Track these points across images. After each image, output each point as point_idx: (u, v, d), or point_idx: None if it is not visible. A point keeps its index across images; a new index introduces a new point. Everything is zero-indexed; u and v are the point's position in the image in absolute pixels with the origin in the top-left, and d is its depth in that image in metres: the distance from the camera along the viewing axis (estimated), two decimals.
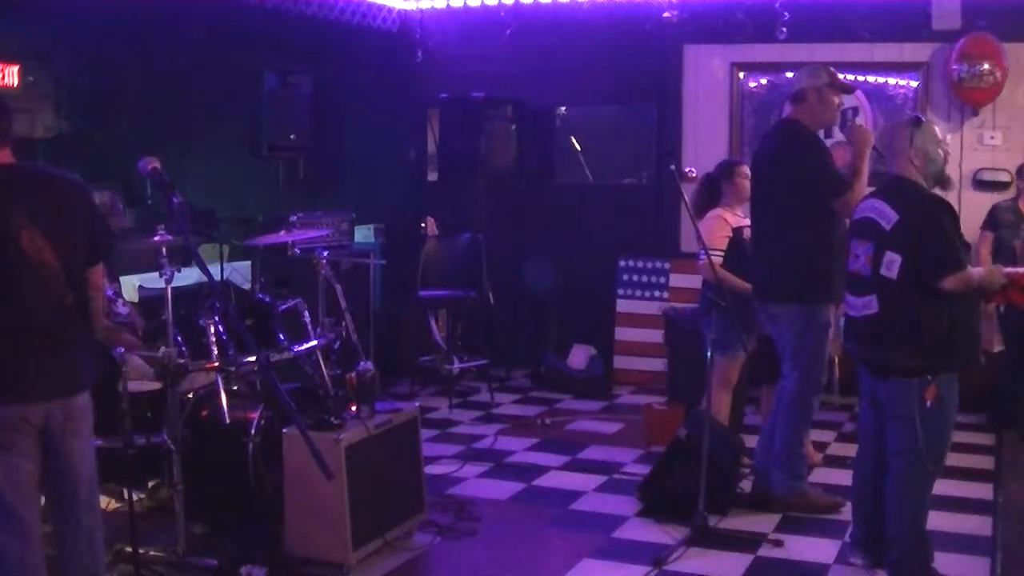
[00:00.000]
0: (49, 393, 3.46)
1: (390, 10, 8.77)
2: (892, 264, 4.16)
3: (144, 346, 4.97)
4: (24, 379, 3.42)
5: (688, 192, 6.15)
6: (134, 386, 4.55)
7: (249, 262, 7.23)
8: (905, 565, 4.32)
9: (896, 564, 4.35)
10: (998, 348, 6.91)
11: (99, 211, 3.74)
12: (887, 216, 4.22)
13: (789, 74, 7.90)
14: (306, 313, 5.42)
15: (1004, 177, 7.49)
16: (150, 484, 4.91)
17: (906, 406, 4.22)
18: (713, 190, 6.07)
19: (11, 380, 3.41)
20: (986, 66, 7.34)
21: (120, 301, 5.47)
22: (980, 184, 7.59)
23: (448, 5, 8.74)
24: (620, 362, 8.46)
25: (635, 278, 8.47)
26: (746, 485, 5.66)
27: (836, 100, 5.34)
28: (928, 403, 4.17)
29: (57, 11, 6.17)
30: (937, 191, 4.38)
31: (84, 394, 3.58)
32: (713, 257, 5.70)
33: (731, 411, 6.16)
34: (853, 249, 4.45)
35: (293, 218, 7.04)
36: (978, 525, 5.22)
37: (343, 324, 5.64)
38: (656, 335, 7.99)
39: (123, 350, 4.41)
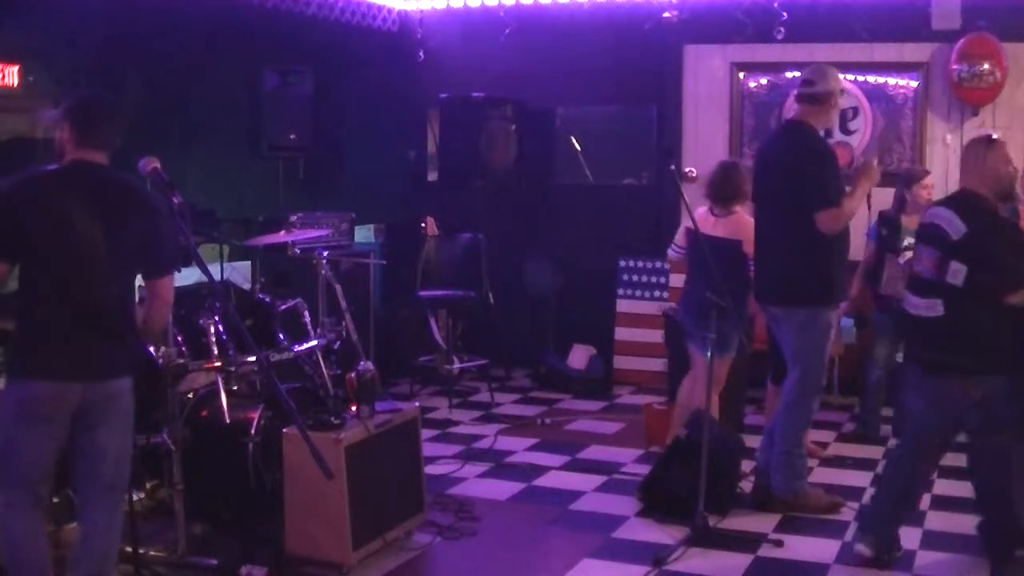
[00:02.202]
0: (86, 375, 3.66)
1: (390, 10, 8.77)
2: (958, 273, 4.38)
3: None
4: (63, 358, 3.62)
5: (703, 183, 6.11)
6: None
7: (249, 262, 7.22)
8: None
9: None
10: None
11: (168, 230, 3.89)
12: (955, 227, 4.41)
13: (789, 74, 7.97)
14: (306, 313, 5.42)
15: None
16: (149, 485, 4.90)
17: (956, 401, 4.49)
18: (738, 184, 5.90)
19: (51, 358, 3.62)
20: (986, 66, 7.34)
21: None
22: None
23: (448, 5, 8.74)
24: (620, 362, 8.46)
25: (635, 278, 8.47)
26: (746, 485, 5.66)
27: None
28: (971, 397, 4.43)
29: (57, 11, 6.16)
30: (1001, 206, 4.68)
31: (122, 380, 3.75)
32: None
33: (731, 411, 6.17)
34: (917, 252, 4.69)
35: (293, 218, 7.04)
36: None
37: (343, 324, 5.64)
38: (656, 335, 7.99)
39: None
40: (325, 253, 5.74)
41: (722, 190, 5.90)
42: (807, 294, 5.20)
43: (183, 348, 4.66)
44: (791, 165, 5.19)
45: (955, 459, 6.39)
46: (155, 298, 3.87)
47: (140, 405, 3.97)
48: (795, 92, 5.38)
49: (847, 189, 5.24)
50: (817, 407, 5.44)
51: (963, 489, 5.74)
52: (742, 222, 5.79)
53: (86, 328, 3.65)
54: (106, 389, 3.70)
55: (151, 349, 4.51)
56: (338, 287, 5.65)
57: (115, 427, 3.75)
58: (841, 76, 7.50)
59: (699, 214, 5.82)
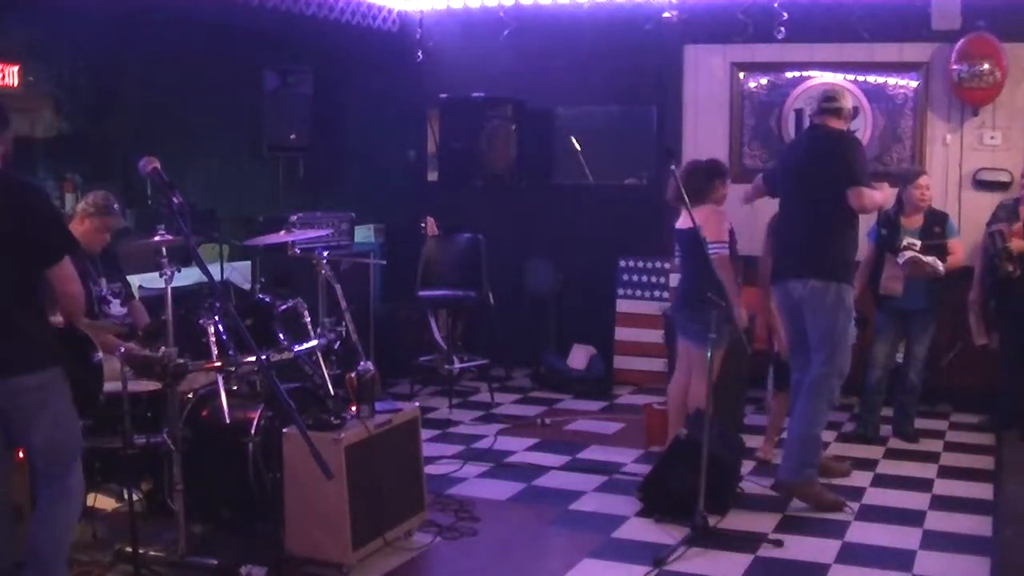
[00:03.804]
0: None
1: (390, 10, 8.77)
2: None
3: (138, 346, 4.95)
4: None
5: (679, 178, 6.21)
6: (134, 386, 4.55)
7: (249, 262, 7.23)
8: None
9: None
10: (981, 341, 6.94)
11: (54, 218, 3.93)
12: None
13: (789, 74, 7.98)
14: (306, 313, 5.41)
15: (1004, 177, 7.48)
16: (144, 488, 4.89)
17: None
18: (711, 182, 6.07)
19: None
20: (986, 66, 7.33)
21: (116, 301, 5.46)
22: (980, 184, 7.58)
23: (448, 5, 8.73)
24: (620, 362, 8.45)
25: (635, 278, 8.47)
26: (746, 486, 5.66)
27: None
28: None
29: (57, 11, 6.17)
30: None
31: (25, 377, 3.74)
32: (724, 251, 5.80)
33: (731, 411, 6.17)
34: None
35: (293, 218, 7.04)
36: (978, 525, 5.21)
37: (343, 324, 5.63)
38: (656, 335, 7.99)
39: (123, 350, 4.42)
40: (325, 253, 5.73)
41: (687, 190, 5.98)
42: (837, 269, 5.38)
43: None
44: (825, 151, 5.43)
45: (956, 459, 6.42)
46: (52, 288, 3.85)
47: (78, 403, 3.96)
48: (817, 107, 5.62)
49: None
50: (839, 395, 5.48)
51: (963, 489, 5.76)
52: (704, 212, 5.92)
53: None
54: (12, 386, 3.71)
55: (89, 342, 4.42)
56: (338, 287, 5.65)
57: (36, 422, 3.76)
58: (841, 77, 7.62)
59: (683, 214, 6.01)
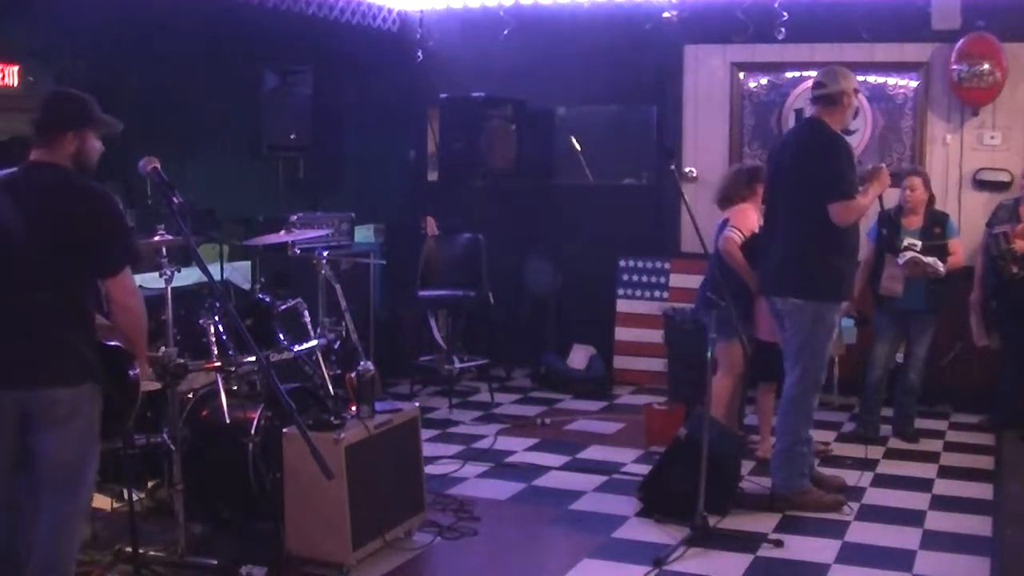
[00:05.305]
0: (19, 383, 3.56)
1: (390, 10, 8.77)
2: None
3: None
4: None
5: (719, 181, 6.38)
6: None
7: (249, 262, 7.22)
8: None
9: None
10: (982, 343, 6.94)
11: (121, 225, 3.78)
12: None
13: (789, 74, 7.98)
14: (306, 313, 5.42)
15: (1004, 177, 7.49)
16: (150, 484, 4.91)
17: None
18: (750, 186, 6.09)
19: None
20: (986, 66, 7.34)
21: None
22: (980, 184, 7.59)
23: (448, 5, 8.73)
24: (620, 362, 8.45)
25: (635, 278, 8.47)
26: (746, 485, 5.66)
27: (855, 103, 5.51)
28: None
29: (57, 11, 6.17)
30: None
31: (61, 390, 3.60)
32: (736, 235, 5.85)
33: (732, 410, 6.16)
34: None
35: (293, 218, 7.03)
36: (978, 525, 5.21)
37: (343, 324, 5.63)
38: (656, 335, 7.99)
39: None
40: (325, 253, 5.74)
41: (718, 195, 6.26)
42: (817, 288, 5.21)
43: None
44: (807, 158, 5.26)
45: (956, 459, 6.42)
46: (108, 301, 3.73)
47: (108, 416, 3.79)
48: (810, 95, 5.47)
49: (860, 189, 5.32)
50: (816, 404, 5.44)
51: (963, 489, 5.76)
52: (735, 208, 6.03)
53: (17, 335, 3.55)
54: (42, 397, 3.58)
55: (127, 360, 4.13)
56: (338, 287, 5.65)
57: (56, 435, 3.61)
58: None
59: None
